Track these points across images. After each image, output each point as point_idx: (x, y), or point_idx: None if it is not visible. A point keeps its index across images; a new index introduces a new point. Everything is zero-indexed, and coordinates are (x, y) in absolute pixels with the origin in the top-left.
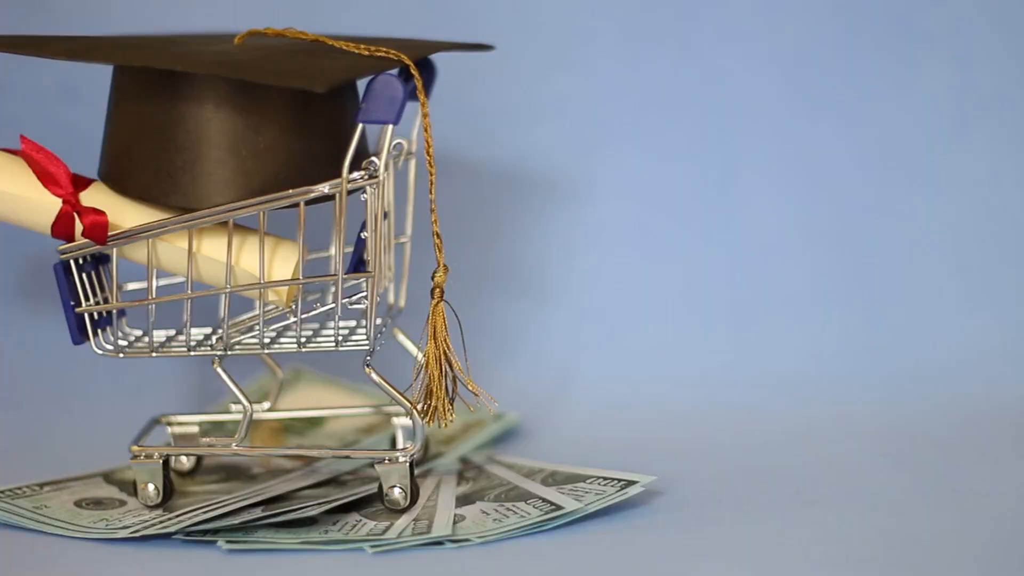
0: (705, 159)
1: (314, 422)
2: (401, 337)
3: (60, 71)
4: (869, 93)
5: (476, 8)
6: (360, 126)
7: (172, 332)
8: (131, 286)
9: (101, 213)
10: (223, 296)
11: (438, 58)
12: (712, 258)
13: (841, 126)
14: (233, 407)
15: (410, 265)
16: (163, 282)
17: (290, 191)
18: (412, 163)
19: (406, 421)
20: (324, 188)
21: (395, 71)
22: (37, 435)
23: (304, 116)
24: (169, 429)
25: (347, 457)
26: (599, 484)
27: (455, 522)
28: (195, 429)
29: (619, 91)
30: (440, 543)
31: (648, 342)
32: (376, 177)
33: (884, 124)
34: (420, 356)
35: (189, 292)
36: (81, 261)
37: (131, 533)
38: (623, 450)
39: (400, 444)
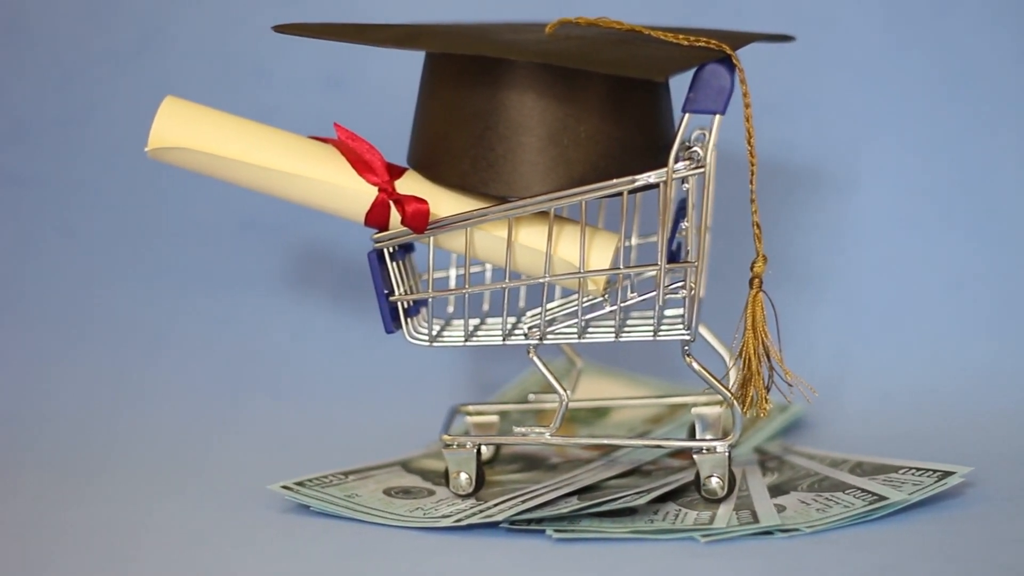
0: (968, 151)
1: (600, 412)
2: (701, 328)
3: (322, 60)
4: None
5: (738, 2)
6: (686, 116)
7: (476, 321)
8: (436, 275)
9: (423, 201)
10: (525, 286)
11: None
12: (977, 249)
13: None
14: (531, 396)
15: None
16: (463, 271)
17: (615, 180)
18: (713, 154)
19: (706, 410)
20: (650, 177)
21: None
22: (321, 425)
23: (622, 105)
24: (468, 418)
25: (659, 447)
26: (914, 475)
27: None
28: (493, 419)
29: (882, 83)
30: (770, 533)
31: (916, 334)
32: (702, 167)
33: None
34: (722, 350)
35: (507, 281)
36: (392, 250)
37: (454, 522)
38: (908, 441)
39: (699, 434)
